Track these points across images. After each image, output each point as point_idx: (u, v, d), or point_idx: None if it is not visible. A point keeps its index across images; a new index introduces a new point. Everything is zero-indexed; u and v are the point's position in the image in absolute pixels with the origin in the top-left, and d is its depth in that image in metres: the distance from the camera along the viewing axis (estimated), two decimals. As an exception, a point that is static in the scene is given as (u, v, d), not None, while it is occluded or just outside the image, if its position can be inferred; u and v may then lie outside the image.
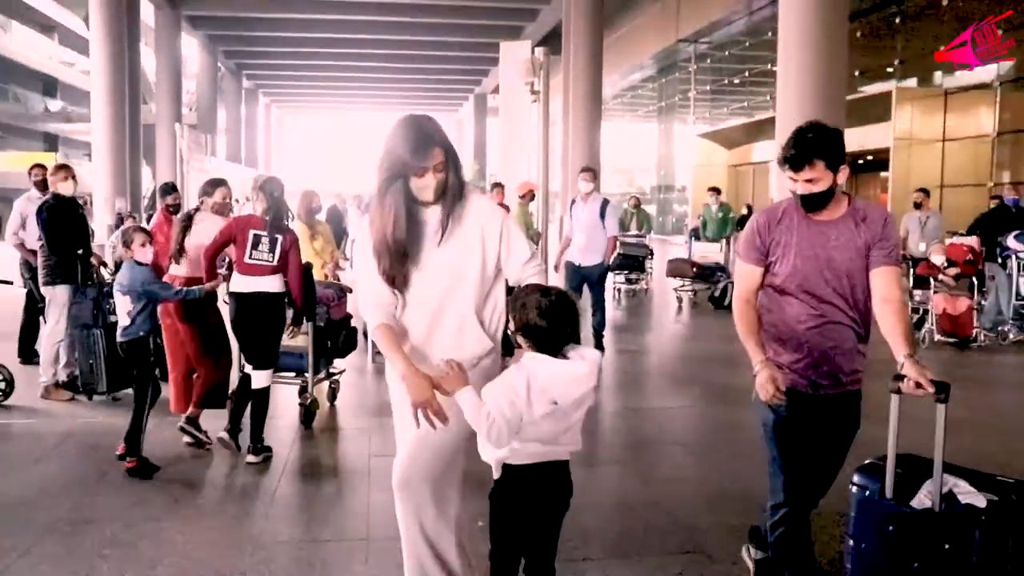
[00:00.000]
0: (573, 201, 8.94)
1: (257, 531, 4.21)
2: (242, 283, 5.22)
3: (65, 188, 6.80)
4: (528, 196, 10.86)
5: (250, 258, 5.18)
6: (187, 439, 5.48)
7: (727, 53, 27.43)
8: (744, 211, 19.61)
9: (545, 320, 2.51)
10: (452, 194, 2.75)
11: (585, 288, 8.48)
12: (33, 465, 5.21)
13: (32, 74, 41.62)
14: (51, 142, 43.19)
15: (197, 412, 5.55)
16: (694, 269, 13.19)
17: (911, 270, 10.10)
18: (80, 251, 6.84)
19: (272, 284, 5.22)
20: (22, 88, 41.06)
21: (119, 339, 5.07)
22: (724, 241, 14.44)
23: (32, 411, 6.46)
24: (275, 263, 5.20)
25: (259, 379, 5.27)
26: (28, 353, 7.94)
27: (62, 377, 6.86)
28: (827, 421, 3.09)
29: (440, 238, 2.76)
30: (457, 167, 2.75)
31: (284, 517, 4.41)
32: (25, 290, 7.92)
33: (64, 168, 6.95)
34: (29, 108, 42.04)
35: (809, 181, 2.93)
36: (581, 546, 3.81)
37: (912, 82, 20.62)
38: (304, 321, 5.71)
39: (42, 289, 6.94)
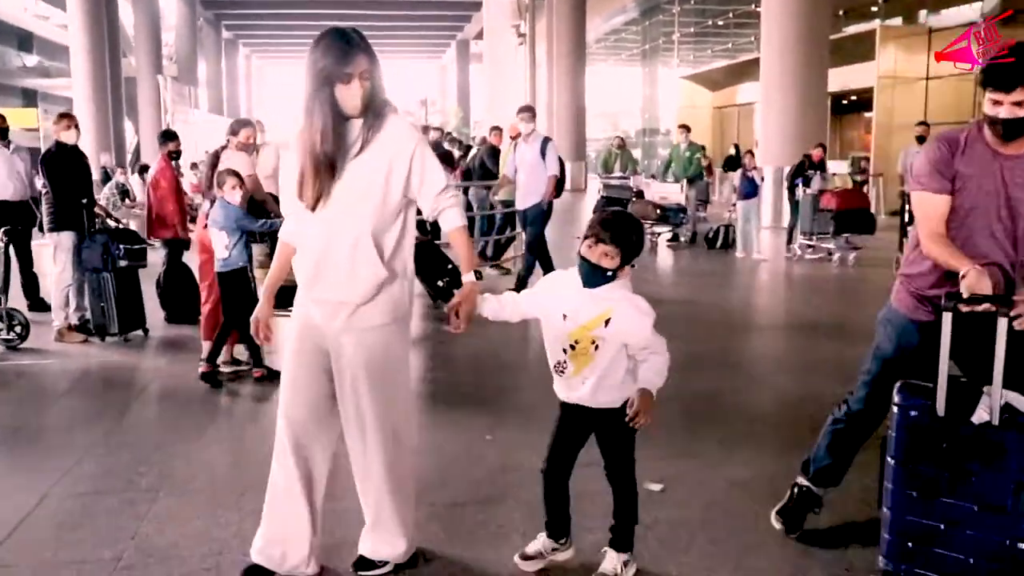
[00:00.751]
0: (515, 142, 8.84)
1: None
2: None
3: (68, 136, 6.95)
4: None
5: None
6: (228, 372, 5.80)
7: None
8: (732, 151, 19.73)
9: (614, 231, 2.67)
10: (373, 108, 2.68)
11: None
12: (60, 398, 5.47)
13: (6, 29, 40.91)
14: (30, 98, 42.55)
15: (229, 351, 5.90)
16: (657, 211, 12.60)
17: (907, 206, 10.32)
18: (84, 199, 7.01)
19: None
20: (-2, 43, 40.41)
21: (218, 269, 5.52)
22: (687, 182, 13.93)
23: (48, 353, 6.67)
24: None
25: None
26: (36, 302, 8.08)
27: (73, 320, 7.07)
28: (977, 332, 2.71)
29: (356, 152, 2.68)
30: (380, 80, 2.69)
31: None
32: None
33: (67, 117, 7.09)
34: (5, 63, 41.36)
35: (1018, 104, 2.64)
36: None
37: (897, 21, 20.71)
38: None
39: (47, 235, 7.12)
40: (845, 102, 23.43)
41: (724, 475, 3.98)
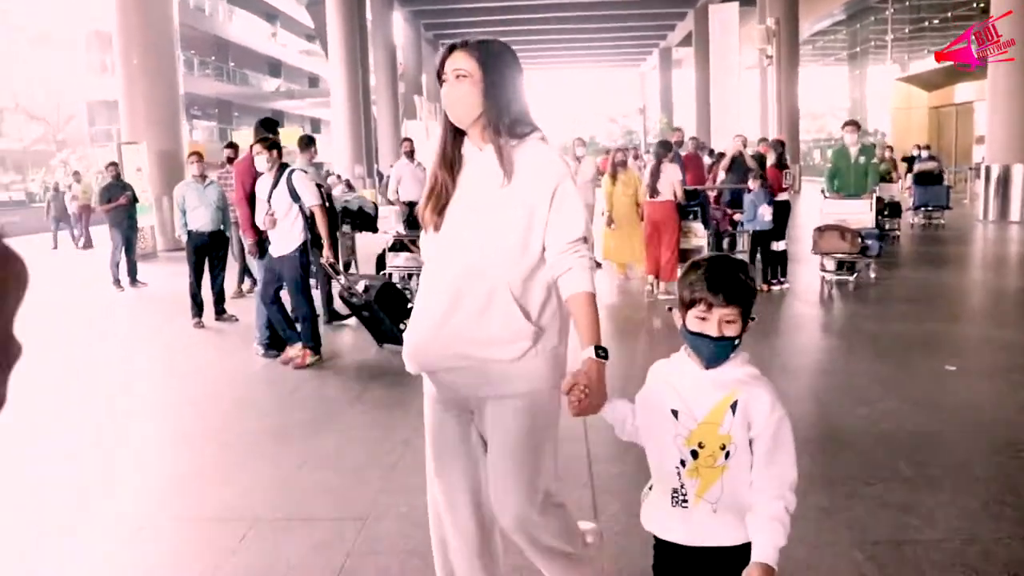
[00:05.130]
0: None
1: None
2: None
3: None
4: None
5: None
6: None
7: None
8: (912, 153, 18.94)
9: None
10: (495, 126, 2.20)
11: None
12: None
13: (260, 57, 46.52)
14: (279, 119, 48.05)
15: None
16: (859, 240, 8.85)
17: None
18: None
19: None
20: (253, 71, 46.01)
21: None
22: (871, 196, 9.77)
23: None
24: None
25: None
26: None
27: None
28: None
29: (491, 181, 2.20)
30: (503, 91, 2.22)
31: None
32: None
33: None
34: (260, 88, 47.00)
35: None
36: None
37: None
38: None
39: None
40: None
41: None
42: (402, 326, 6.35)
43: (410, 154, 10.82)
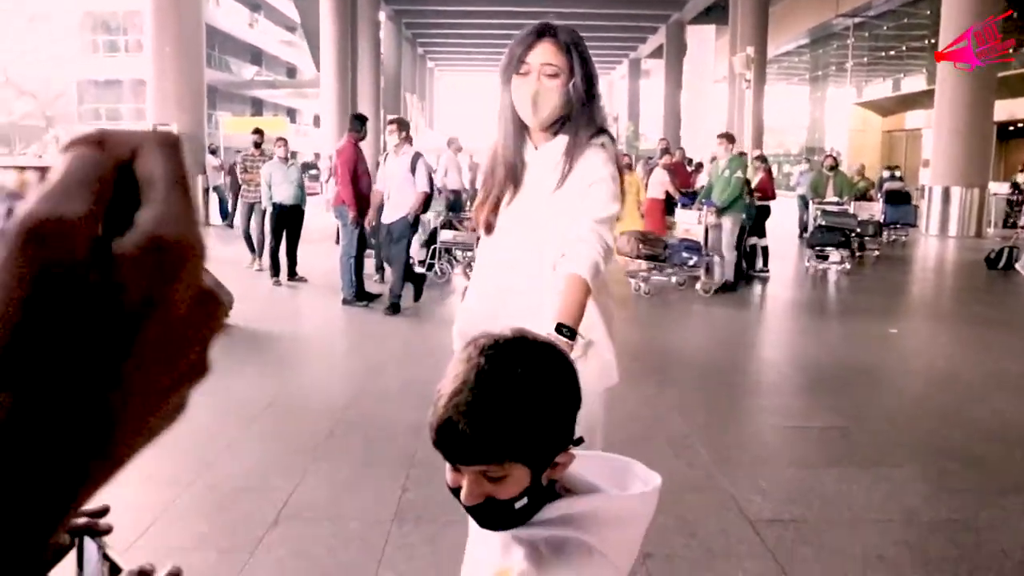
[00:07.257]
0: (385, 156, 8.32)
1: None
2: None
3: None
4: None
5: None
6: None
7: (885, 28, 29.83)
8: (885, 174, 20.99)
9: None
10: (576, 123, 2.10)
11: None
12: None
13: (242, 45, 47.36)
14: (257, 106, 48.96)
15: None
16: (640, 247, 9.21)
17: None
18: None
19: None
20: (235, 59, 46.84)
21: None
22: (703, 208, 9.83)
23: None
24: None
25: None
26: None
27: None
28: None
29: (552, 183, 2.12)
30: (590, 91, 2.11)
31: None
32: None
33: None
34: (240, 76, 47.82)
35: None
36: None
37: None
38: None
39: None
40: (1012, 128, 25.55)
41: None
42: None
43: (457, 149, 13.00)
